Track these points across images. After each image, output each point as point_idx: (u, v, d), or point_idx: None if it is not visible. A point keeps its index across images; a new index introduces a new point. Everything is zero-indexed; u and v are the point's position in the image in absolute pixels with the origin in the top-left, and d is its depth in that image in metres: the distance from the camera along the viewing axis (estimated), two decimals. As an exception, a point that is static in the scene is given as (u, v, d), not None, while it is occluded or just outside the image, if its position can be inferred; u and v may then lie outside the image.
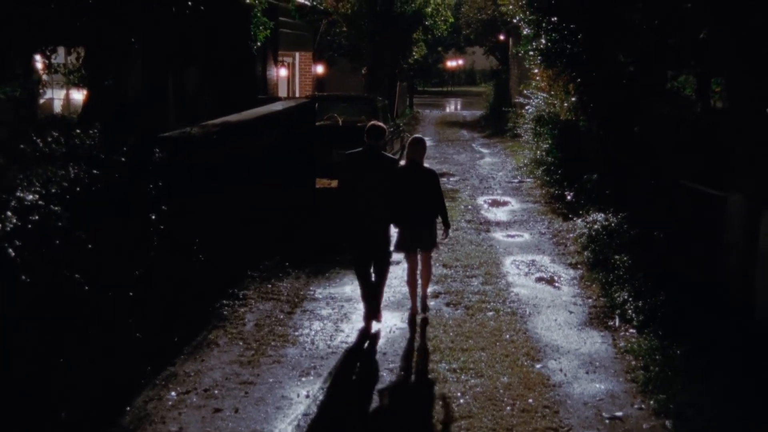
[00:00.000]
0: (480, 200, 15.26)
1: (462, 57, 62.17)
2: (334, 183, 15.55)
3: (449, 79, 65.44)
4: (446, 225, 8.39)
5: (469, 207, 14.47)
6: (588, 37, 13.34)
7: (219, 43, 11.92)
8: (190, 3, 8.18)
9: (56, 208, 4.88)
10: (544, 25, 14.40)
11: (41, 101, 13.89)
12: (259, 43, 13.13)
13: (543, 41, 14.49)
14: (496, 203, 14.97)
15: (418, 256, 8.31)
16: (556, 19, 13.86)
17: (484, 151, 24.12)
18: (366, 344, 7.58)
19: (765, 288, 7.12)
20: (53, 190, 4.97)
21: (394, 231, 8.26)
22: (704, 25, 11.00)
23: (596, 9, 12.73)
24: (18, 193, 4.60)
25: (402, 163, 8.52)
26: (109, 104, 9.62)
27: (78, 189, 5.28)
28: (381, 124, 8.07)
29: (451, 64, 60.80)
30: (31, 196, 4.70)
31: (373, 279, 8.00)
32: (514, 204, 14.87)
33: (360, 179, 7.78)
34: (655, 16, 12.09)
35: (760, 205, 7.39)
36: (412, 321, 8.16)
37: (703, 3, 9.83)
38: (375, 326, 7.93)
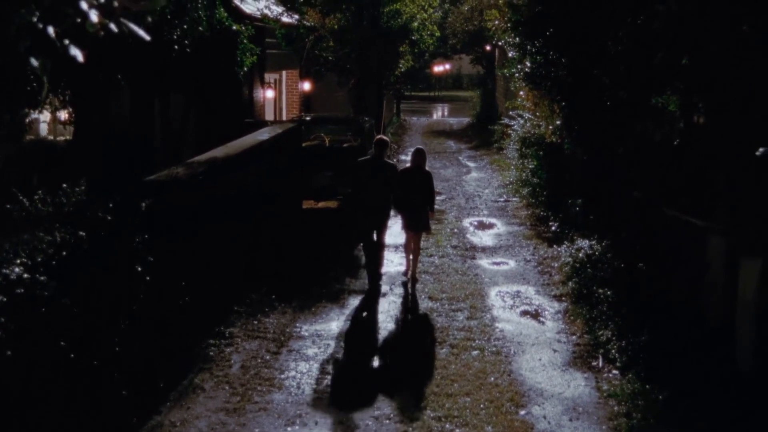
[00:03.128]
0: (466, 222, 15.34)
1: (449, 61, 62.17)
2: (320, 204, 15.72)
3: (436, 83, 65.39)
4: (432, 209, 11.33)
5: (455, 230, 14.54)
6: (572, 61, 13.45)
7: (205, 72, 11.93)
8: (176, 47, 8.20)
9: (42, 278, 4.90)
10: (528, 47, 14.50)
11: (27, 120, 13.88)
12: (245, 69, 13.15)
13: (528, 64, 14.59)
14: (482, 225, 15.05)
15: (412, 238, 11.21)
16: (539, 43, 13.95)
17: (471, 164, 24.20)
18: (351, 385, 7.62)
19: (744, 333, 7.22)
20: (39, 259, 4.99)
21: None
22: (686, 51, 11.13)
23: (579, 36, 12.83)
24: (4, 269, 4.62)
25: (408, 165, 11.51)
26: (96, 138, 9.65)
27: (64, 253, 5.30)
28: (385, 137, 11.51)
29: (438, 69, 60.78)
30: (17, 269, 4.72)
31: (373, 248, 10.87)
32: (500, 227, 14.96)
33: (367, 178, 10.65)
34: (637, 42, 12.19)
35: (740, 250, 7.49)
36: (405, 283, 10.97)
37: (685, 31, 9.96)
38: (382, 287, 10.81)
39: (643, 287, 9.59)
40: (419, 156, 11.22)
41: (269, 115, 19.01)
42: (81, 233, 5.56)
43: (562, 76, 13.86)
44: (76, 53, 2.44)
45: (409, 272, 11.17)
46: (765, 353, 6.99)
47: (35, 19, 2.33)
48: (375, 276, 10.87)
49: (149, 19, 2.45)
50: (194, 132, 13.25)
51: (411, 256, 11.24)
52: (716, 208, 8.99)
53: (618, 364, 8.02)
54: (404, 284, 11.07)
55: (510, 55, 15.78)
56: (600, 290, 9.82)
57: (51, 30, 2.33)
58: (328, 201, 15.59)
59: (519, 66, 15.03)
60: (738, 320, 7.25)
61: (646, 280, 9.73)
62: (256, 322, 9.28)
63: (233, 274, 9.99)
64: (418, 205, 10.94)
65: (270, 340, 8.77)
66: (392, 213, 11.02)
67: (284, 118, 21.00)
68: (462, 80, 69.02)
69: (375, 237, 10.80)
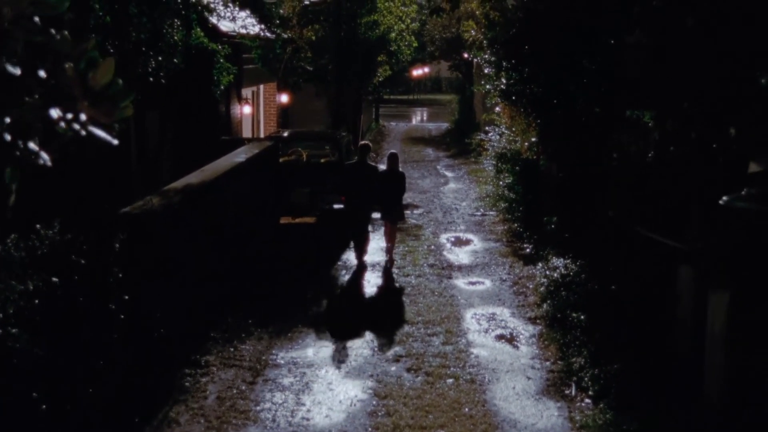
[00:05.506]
0: (443, 238, 15.42)
1: (428, 65, 62.25)
2: (298, 220, 15.75)
3: (415, 87, 65.46)
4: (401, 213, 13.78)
5: (432, 247, 14.61)
6: (547, 78, 13.56)
7: (182, 92, 11.91)
8: (151, 79, 8.18)
9: (14, 331, 4.90)
10: (504, 64, 14.60)
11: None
12: (222, 87, 13.14)
13: (504, 80, 14.69)
14: (459, 242, 15.14)
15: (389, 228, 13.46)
16: (515, 60, 14.05)
17: (449, 174, 24.32)
18: (326, 417, 7.66)
19: (714, 366, 7.33)
20: (11, 311, 4.98)
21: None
22: (656, 75, 11.26)
23: (554, 56, 12.94)
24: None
25: (383, 167, 13.82)
26: (72, 165, 9.59)
27: (37, 301, 5.30)
28: (368, 143, 14.52)
29: (416, 72, 60.86)
30: (-12, 324, 4.72)
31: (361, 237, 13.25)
32: (477, 243, 15.05)
33: (354, 179, 12.92)
34: (611, 63, 12.32)
35: (709, 281, 7.59)
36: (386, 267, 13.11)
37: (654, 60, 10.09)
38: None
39: (616, 312, 9.70)
40: (393, 160, 13.49)
41: (247, 130, 18.98)
42: (54, 279, 5.56)
43: (537, 92, 13.98)
44: (46, 159, 2.47)
45: (389, 256, 13.38)
46: (734, 387, 7.11)
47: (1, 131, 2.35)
48: (361, 258, 13.12)
49: (116, 126, 2.47)
50: (171, 151, 13.21)
51: (389, 244, 13.46)
52: (689, 231, 9.10)
53: (590, 393, 8.12)
54: (381, 306, 11.26)
55: (486, 71, 15.88)
56: (574, 314, 9.92)
57: (20, 142, 2.35)
58: (306, 217, 15.62)
59: (495, 83, 15.14)
60: (707, 353, 7.36)
61: (619, 305, 9.84)
62: (232, 349, 9.30)
63: (210, 298, 9.99)
64: (394, 200, 13.10)
65: (246, 369, 8.79)
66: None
67: (262, 131, 20.97)
68: (441, 83, 69.13)
69: (361, 229, 13.19)
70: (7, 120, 2.41)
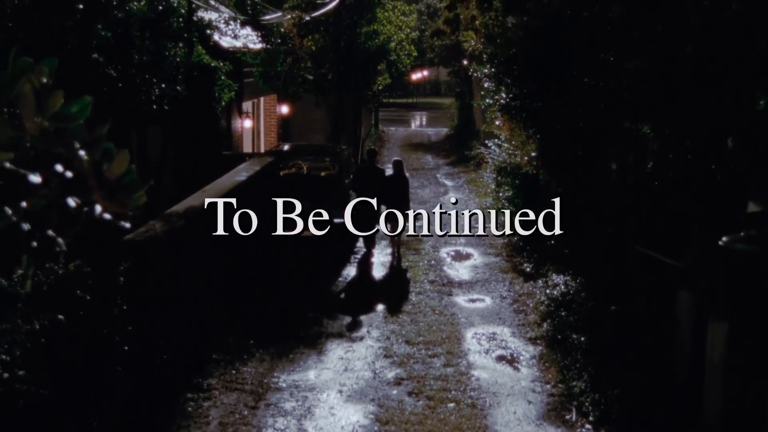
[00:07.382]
0: (443, 252, 15.47)
1: (426, 68, 62.22)
2: (298, 233, 15.75)
3: (414, 90, 65.42)
4: (408, 206, 15.01)
5: (432, 262, 14.66)
6: (547, 94, 13.60)
7: (184, 109, 11.94)
8: (155, 107, 8.23)
9: (21, 373, 4.94)
10: (503, 78, 14.64)
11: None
12: (223, 103, 13.19)
13: (504, 95, 14.73)
14: (459, 256, 15.18)
15: (392, 238, 14.82)
16: (515, 76, 14.08)
17: (449, 183, 24.37)
18: None
19: (713, 394, 7.38)
20: (18, 353, 5.02)
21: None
22: (655, 95, 11.31)
23: (554, 73, 12.99)
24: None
25: (390, 172, 15.46)
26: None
27: (43, 340, 5.34)
28: (374, 148, 17.85)
29: (416, 76, 60.85)
30: (-4, 368, 4.76)
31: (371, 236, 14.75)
32: (477, 257, 15.10)
33: (363, 181, 14.66)
34: (610, 82, 12.37)
35: (708, 308, 7.64)
36: (391, 266, 14.31)
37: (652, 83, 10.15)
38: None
39: (616, 333, 9.74)
40: (398, 166, 15.21)
41: (247, 142, 19.03)
42: (60, 317, 5.60)
43: (537, 107, 14.02)
44: (61, 245, 2.51)
45: (394, 260, 14.55)
46: (733, 415, 7.16)
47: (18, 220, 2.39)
48: (369, 251, 14.62)
49: (130, 213, 2.52)
50: (172, 167, 13.25)
51: (393, 256, 14.58)
52: (689, 253, 9.14)
53: (591, 419, 8.17)
54: (382, 326, 11.23)
55: (486, 85, 15.92)
56: (574, 335, 9.96)
57: (37, 232, 2.40)
58: (306, 231, 15.62)
59: (495, 97, 15.17)
60: (706, 381, 7.41)
61: (619, 325, 9.88)
62: (234, 372, 9.33)
63: (211, 319, 10.03)
64: (398, 201, 14.43)
65: (248, 393, 8.82)
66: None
67: (263, 143, 21.02)
68: (440, 86, 69.17)
69: (371, 224, 14.49)
70: (23, 204, 2.47)
